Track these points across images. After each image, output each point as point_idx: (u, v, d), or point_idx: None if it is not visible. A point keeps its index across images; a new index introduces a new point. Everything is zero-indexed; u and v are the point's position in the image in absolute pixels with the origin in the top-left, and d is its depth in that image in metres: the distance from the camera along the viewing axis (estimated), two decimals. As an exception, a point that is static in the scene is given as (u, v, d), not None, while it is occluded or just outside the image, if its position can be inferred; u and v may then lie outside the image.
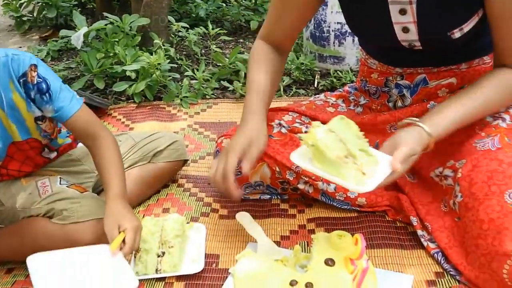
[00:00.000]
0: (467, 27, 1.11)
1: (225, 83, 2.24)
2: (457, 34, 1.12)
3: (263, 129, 1.20)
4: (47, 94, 1.17)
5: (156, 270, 1.14)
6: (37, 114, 1.20)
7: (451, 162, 1.19)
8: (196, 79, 2.25)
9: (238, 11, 3.17)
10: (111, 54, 2.26)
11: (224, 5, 3.32)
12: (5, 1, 3.35)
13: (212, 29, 2.60)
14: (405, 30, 1.16)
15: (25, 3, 3.33)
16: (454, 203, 1.14)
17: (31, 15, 3.36)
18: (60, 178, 1.30)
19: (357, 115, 1.37)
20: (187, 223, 1.30)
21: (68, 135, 1.41)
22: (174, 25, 2.61)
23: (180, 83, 2.28)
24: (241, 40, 2.94)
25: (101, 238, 1.15)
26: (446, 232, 1.16)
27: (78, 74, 2.44)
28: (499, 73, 1.14)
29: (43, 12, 3.20)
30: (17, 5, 3.34)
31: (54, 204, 1.20)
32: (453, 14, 1.10)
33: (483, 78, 1.15)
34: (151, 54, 2.25)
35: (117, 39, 2.30)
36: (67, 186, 1.27)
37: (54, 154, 1.35)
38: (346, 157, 1.00)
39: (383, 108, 1.36)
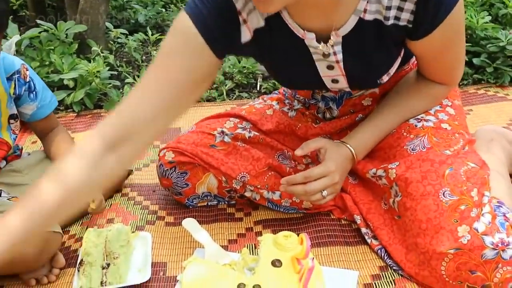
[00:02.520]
0: (393, 69, 1.16)
1: (167, 89, 2.21)
2: (385, 78, 1.16)
3: None
4: (34, 92, 1.32)
5: (101, 283, 1.10)
6: (12, 112, 1.28)
7: (384, 164, 1.22)
8: (137, 86, 2.21)
9: (178, 16, 3.14)
10: (47, 63, 2.18)
11: (164, 10, 3.29)
12: None
13: (152, 34, 2.57)
14: (335, 81, 1.17)
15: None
16: (394, 201, 1.17)
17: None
18: (1, 190, 1.24)
19: (290, 119, 1.39)
20: (132, 232, 1.27)
21: (19, 148, 1.39)
22: (113, 31, 2.56)
23: (121, 90, 2.24)
24: (182, 45, 2.91)
25: (44, 250, 1.11)
26: (386, 229, 1.19)
27: (12, 84, 2.35)
28: (422, 89, 1.20)
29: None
30: None
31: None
32: (379, 67, 1.13)
33: (408, 92, 1.22)
34: (90, 62, 2.19)
35: (52, 47, 2.23)
36: (7, 199, 1.21)
37: (3, 164, 1.30)
38: None
39: (315, 118, 1.39)
